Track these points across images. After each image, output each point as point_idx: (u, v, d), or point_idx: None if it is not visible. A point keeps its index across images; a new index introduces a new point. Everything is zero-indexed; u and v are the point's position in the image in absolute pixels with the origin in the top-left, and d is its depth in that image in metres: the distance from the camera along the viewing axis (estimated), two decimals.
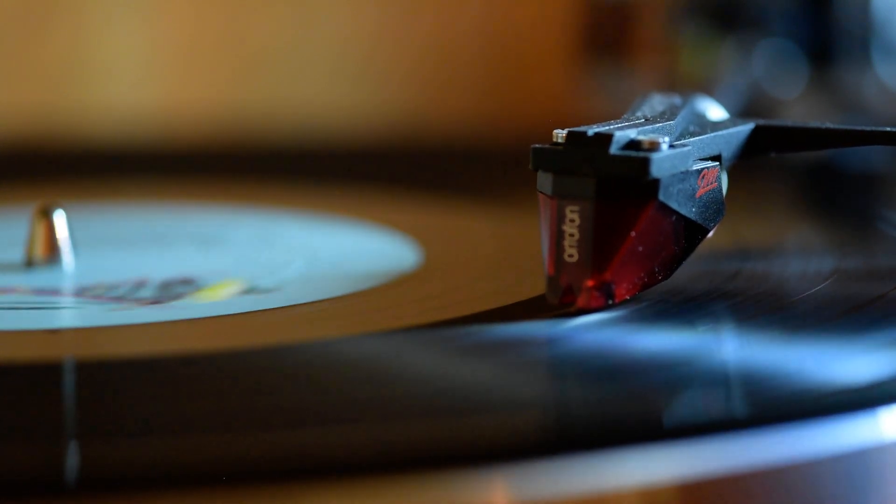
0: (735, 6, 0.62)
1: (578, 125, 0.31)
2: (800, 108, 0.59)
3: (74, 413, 0.27)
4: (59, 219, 0.39)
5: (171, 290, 0.36)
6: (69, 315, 0.35)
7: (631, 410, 0.26)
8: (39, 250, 0.39)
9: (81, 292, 0.36)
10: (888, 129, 0.34)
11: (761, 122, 0.35)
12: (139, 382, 0.28)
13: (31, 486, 0.23)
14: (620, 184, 0.30)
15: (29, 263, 0.39)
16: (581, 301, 0.31)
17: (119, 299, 0.35)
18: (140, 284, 0.37)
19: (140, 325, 0.33)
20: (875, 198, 0.53)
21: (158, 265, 0.39)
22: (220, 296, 0.36)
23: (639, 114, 0.34)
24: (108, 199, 0.52)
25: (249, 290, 0.36)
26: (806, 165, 0.55)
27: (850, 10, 0.61)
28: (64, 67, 0.72)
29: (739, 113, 0.44)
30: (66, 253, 0.39)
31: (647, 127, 0.32)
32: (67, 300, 0.36)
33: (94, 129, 0.69)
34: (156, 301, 0.35)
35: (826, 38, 0.61)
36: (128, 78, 0.73)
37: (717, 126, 0.34)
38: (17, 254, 0.39)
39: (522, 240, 0.41)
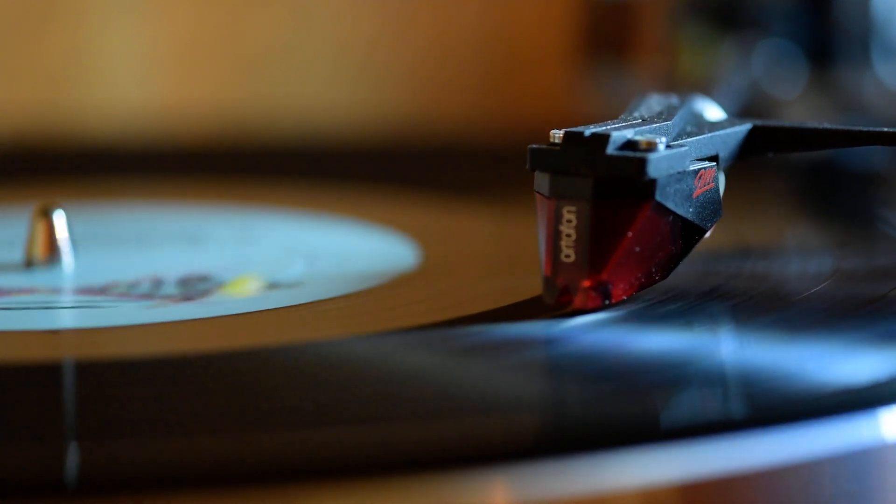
0: (735, 6, 0.62)
1: (577, 125, 0.31)
2: (799, 108, 0.59)
3: (143, 410, 0.27)
4: (59, 219, 0.39)
5: (192, 286, 0.36)
6: (110, 314, 0.34)
7: (631, 411, 0.26)
8: (39, 250, 0.39)
9: (103, 291, 0.36)
10: (888, 129, 0.34)
11: (758, 122, 0.35)
12: (213, 377, 0.29)
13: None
14: (617, 184, 0.30)
15: (29, 263, 0.39)
16: (578, 301, 0.31)
17: (147, 297, 0.35)
18: (158, 282, 0.37)
19: (193, 322, 0.33)
20: (875, 198, 0.53)
21: (163, 263, 0.39)
22: (247, 291, 0.36)
23: (636, 114, 0.34)
24: (107, 198, 0.52)
25: (272, 286, 0.36)
26: (806, 165, 0.55)
27: (850, 10, 0.61)
28: (63, 67, 0.72)
29: (739, 113, 0.44)
30: (66, 253, 0.39)
31: (644, 127, 0.32)
32: (95, 299, 0.35)
33: (93, 129, 0.69)
34: (187, 298, 0.35)
35: (826, 38, 0.61)
36: (127, 77, 0.73)
37: (714, 126, 0.34)
38: (16, 254, 0.39)
39: (521, 240, 0.41)
